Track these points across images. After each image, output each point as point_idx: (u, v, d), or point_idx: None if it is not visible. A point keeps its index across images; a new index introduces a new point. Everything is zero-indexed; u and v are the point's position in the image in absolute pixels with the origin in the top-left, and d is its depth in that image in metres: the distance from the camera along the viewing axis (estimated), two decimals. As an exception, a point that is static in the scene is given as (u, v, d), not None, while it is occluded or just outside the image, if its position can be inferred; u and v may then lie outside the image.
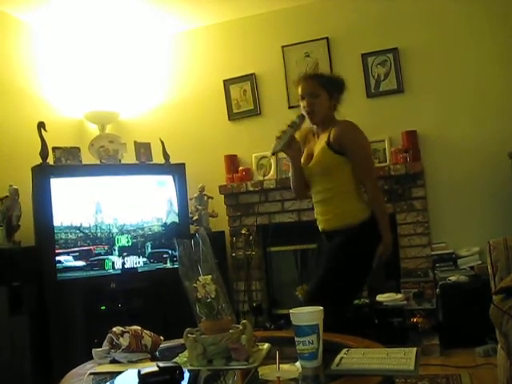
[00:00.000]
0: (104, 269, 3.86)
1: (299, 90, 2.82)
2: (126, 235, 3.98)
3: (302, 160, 2.87)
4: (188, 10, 4.65)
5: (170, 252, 4.12)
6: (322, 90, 2.78)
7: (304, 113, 2.80)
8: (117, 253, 3.93)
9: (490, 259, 2.65)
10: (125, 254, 3.96)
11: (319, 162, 2.78)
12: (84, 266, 3.78)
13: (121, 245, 3.95)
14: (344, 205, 2.76)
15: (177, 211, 4.22)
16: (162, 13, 4.64)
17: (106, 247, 3.90)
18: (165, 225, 4.16)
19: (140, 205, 4.07)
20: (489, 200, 4.21)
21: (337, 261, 2.72)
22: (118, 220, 3.96)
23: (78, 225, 3.78)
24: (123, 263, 3.94)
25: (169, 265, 4.12)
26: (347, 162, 2.73)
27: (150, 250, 4.08)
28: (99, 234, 3.87)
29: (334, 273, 2.70)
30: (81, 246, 3.78)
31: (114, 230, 3.94)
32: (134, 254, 4.00)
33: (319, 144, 2.82)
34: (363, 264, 2.74)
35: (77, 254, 3.76)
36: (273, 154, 2.90)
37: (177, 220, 4.21)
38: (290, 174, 2.97)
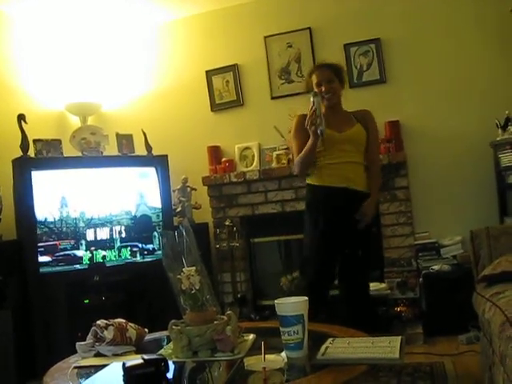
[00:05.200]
0: (71, 264, 3.78)
1: (314, 77, 3.19)
2: (94, 229, 3.90)
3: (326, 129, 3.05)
4: (170, 0, 4.61)
5: (140, 245, 4.08)
6: (335, 77, 3.17)
7: (323, 96, 3.12)
8: (84, 247, 3.85)
9: (472, 248, 2.68)
10: (92, 248, 3.88)
11: (357, 135, 3.17)
12: (50, 261, 3.70)
13: (89, 239, 3.88)
14: (355, 173, 3.15)
15: (148, 204, 4.17)
16: (143, 3, 4.60)
17: (73, 242, 3.81)
18: (134, 218, 4.11)
19: (110, 198, 4.00)
20: (471, 189, 4.24)
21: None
22: (86, 214, 3.88)
23: (43, 219, 3.69)
24: (91, 257, 3.87)
25: (139, 258, 4.07)
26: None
27: (119, 243, 4.02)
28: (64, 229, 3.79)
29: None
30: (46, 241, 3.70)
31: (81, 224, 3.86)
32: (102, 248, 3.93)
33: (346, 121, 3.18)
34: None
35: (42, 249, 3.67)
36: (322, 135, 3.05)
37: (148, 213, 4.17)
38: (302, 153, 3.13)
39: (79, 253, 3.84)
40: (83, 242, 3.86)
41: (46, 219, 3.71)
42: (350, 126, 3.18)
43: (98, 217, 3.93)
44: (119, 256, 3.98)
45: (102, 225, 3.95)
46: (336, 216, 3.07)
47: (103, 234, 3.95)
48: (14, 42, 4.42)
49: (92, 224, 3.90)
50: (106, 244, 3.96)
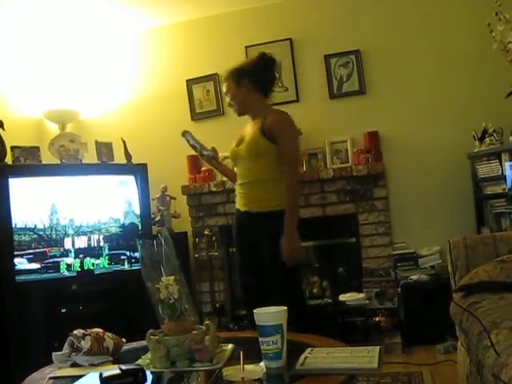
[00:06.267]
0: (59, 271, 3.77)
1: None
2: (83, 237, 3.90)
3: (234, 143, 3.05)
4: (151, 8, 4.61)
5: (127, 253, 4.07)
6: (231, 85, 2.97)
7: None
8: (73, 255, 3.85)
9: (450, 258, 2.69)
10: (81, 255, 3.87)
11: (250, 145, 2.88)
12: (39, 268, 3.68)
13: (77, 246, 3.87)
14: (262, 191, 2.87)
15: (136, 212, 4.17)
16: (124, 11, 4.58)
17: (62, 249, 3.80)
18: (123, 226, 4.10)
19: (98, 205, 3.99)
20: (449, 200, 4.29)
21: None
22: (74, 221, 3.88)
23: (33, 226, 3.68)
24: (82, 264, 3.86)
25: (126, 266, 4.05)
26: (276, 150, 2.83)
27: (107, 251, 4.01)
28: (54, 236, 3.78)
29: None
30: (35, 248, 3.67)
31: (70, 232, 3.86)
32: (90, 256, 3.92)
33: (251, 130, 2.93)
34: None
35: (31, 256, 3.65)
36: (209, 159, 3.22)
37: (136, 221, 4.16)
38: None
39: (68, 260, 3.81)
40: (72, 249, 3.84)
41: (35, 226, 3.69)
42: (250, 135, 2.91)
43: (86, 224, 3.92)
44: (94, 265, 3.95)
45: (91, 232, 3.94)
46: (239, 242, 3.02)
47: (91, 241, 3.93)
48: (-8, 49, 4.38)
49: (81, 231, 3.89)
50: (95, 252, 3.94)
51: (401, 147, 4.41)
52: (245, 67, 2.97)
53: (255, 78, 2.93)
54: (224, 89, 3.04)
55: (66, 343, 2.03)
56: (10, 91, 4.47)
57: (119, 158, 4.25)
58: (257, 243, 2.86)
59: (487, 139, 3.95)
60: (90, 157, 4.15)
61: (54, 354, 2.02)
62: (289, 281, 2.86)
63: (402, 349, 3.82)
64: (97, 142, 4.16)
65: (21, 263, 3.62)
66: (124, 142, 4.26)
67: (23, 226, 3.65)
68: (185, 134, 3.14)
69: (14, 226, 3.60)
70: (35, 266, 3.67)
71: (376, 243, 4.34)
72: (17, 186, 3.64)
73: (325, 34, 4.59)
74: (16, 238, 3.61)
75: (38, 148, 3.87)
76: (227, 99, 3.05)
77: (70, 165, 3.99)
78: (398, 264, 4.26)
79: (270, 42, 4.69)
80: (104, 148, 4.18)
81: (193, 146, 3.15)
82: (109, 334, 2.08)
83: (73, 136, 4.17)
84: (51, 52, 4.81)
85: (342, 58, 4.56)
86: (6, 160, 3.67)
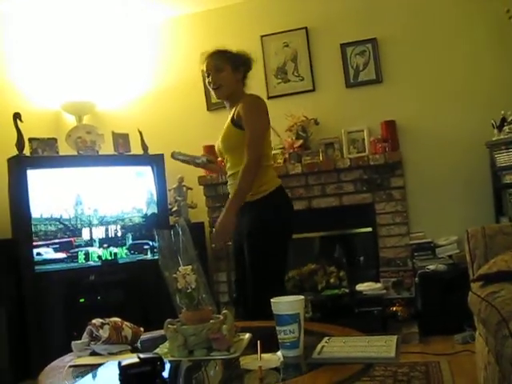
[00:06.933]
0: (84, 260, 3.84)
1: (204, 67, 2.86)
2: (106, 226, 3.95)
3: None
4: (166, -1, 4.62)
5: (150, 243, 4.12)
6: (225, 64, 2.81)
7: (210, 88, 2.92)
8: (97, 244, 3.91)
9: (468, 248, 2.67)
10: (105, 245, 3.94)
11: (224, 138, 2.84)
12: (64, 257, 3.77)
13: (101, 236, 3.92)
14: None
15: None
16: (142, 1, 4.59)
17: (86, 239, 3.88)
18: (145, 216, 4.14)
19: (120, 196, 4.07)
20: (466, 189, 4.25)
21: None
22: (98, 211, 3.94)
23: (58, 216, 3.76)
24: (104, 255, 3.91)
25: (149, 256, 4.11)
26: None
27: (130, 241, 4.06)
28: (79, 226, 3.85)
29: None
30: (61, 238, 3.76)
31: (95, 222, 3.91)
32: (114, 246, 3.98)
33: (227, 121, 2.85)
34: (271, 236, 2.70)
35: (57, 245, 3.74)
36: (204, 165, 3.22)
37: (156, 211, 4.20)
38: None
39: (92, 250, 3.92)
40: (96, 239, 3.94)
41: (61, 216, 3.79)
42: (224, 128, 2.84)
43: (110, 214, 4.02)
44: (117, 254, 4.00)
45: (114, 222, 4.03)
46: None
47: (114, 231, 4.03)
48: (9, 41, 4.41)
49: (104, 221, 3.98)
50: (118, 241, 4.04)
51: (418, 136, 4.38)
52: (241, 57, 2.90)
53: (246, 70, 2.92)
54: (212, 64, 2.83)
55: (85, 332, 2.05)
56: (27, 84, 4.50)
57: (136, 149, 4.27)
58: (243, 235, 2.76)
59: (506, 127, 3.90)
60: (107, 148, 4.18)
61: (73, 342, 2.04)
62: (262, 266, 2.72)
63: (419, 339, 3.80)
64: (113, 134, 4.19)
65: (47, 252, 3.69)
66: (140, 132, 4.28)
67: (49, 216, 3.71)
68: (173, 154, 3.06)
69: (40, 216, 3.70)
70: (61, 255, 3.76)
71: (393, 233, 4.32)
72: (35, 178, 3.68)
73: (341, 22, 4.56)
74: (42, 228, 3.69)
75: (55, 140, 3.90)
76: (212, 77, 2.84)
77: (87, 156, 4.02)
78: (416, 253, 4.23)
79: (285, 31, 4.67)
80: (121, 139, 4.20)
81: (185, 161, 3.10)
82: (127, 324, 2.09)
83: (90, 127, 4.21)
84: (69, 44, 4.82)
85: (359, 47, 4.53)
86: (24, 152, 3.70)
